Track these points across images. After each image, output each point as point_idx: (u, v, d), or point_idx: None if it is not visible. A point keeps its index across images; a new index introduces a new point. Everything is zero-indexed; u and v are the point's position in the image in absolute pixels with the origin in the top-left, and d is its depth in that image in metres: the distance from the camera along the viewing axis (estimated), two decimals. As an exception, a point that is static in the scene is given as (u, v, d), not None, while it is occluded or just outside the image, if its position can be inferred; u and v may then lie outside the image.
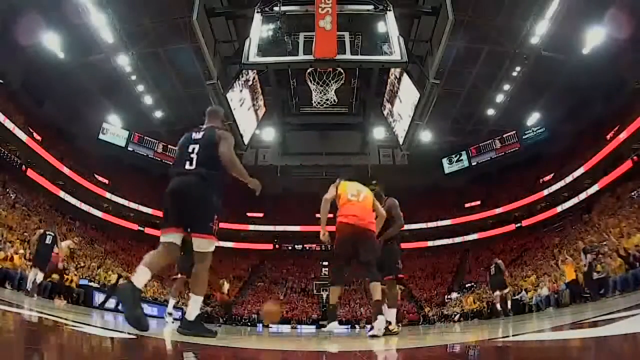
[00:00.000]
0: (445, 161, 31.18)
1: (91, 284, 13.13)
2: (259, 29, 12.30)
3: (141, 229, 26.51)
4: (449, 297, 23.85)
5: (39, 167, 21.46)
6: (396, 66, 13.12)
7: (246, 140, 15.80)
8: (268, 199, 32.42)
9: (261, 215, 31.52)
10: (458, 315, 19.03)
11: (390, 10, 12.30)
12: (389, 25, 12.13)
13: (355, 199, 3.79)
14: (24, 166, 20.55)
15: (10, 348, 1.26)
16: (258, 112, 16.39)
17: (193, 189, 2.71)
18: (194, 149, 2.83)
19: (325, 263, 27.77)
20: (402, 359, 2.01)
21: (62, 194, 22.72)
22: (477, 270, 25.31)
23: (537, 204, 26.24)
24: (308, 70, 12.33)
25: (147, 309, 15.82)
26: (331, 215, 3.84)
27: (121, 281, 14.35)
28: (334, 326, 3.77)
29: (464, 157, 30.60)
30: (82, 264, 16.00)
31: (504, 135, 28.65)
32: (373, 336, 3.40)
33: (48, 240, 7.95)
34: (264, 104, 16.80)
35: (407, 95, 13.72)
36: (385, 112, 17.25)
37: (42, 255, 7.90)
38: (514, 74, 21.67)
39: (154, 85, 24.03)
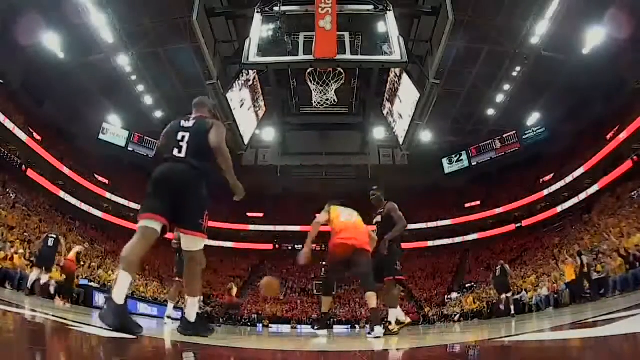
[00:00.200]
0: (445, 161, 31.19)
1: (91, 284, 13.12)
2: (259, 29, 12.30)
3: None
4: (449, 297, 23.85)
5: (39, 167, 21.47)
6: (396, 66, 13.12)
7: (246, 140, 15.81)
8: (268, 199, 32.45)
9: (261, 215, 31.52)
10: (458, 315, 19.03)
11: (390, 10, 12.30)
12: (389, 25, 12.13)
13: (349, 221, 4.05)
14: (24, 166, 20.55)
15: (10, 348, 1.26)
16: (258, 112, 16.39)
17: (184, 180, 2.52)
18: (183, 137, 2.65)
19: (325, 263, 27.79)
20: (402, 359, 2.01)
21: (62, 194, 22.73)
22: (477, 270, 25.33)
23: (537, 204, 26.24)
24: (308, 70, 12.33)
25: (147, 309, 15.82)
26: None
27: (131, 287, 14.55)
28: (323, 333, 4.11)
29: (464, 157, 30.60)
30: (82, 264, 16.00)
31: (504, 135, 28.66)
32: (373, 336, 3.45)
33: (50, 242, 8.18)
34: (264, 104, 16.79)
35: (407, 95, 13.72)
36: (385, 112, 17.25)
37: (45, 256, 8.10)
38: (514, 74, 21.67)
39: (154, 85, 24.03)
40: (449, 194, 31.23)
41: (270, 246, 31.42)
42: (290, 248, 31.40)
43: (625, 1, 16.66)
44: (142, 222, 2.43)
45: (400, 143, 16.29)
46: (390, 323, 4.42)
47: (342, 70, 12.18)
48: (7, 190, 18.50)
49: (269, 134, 23.78)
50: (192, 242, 2.60)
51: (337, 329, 19.33)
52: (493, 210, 28.25)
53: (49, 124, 23.77)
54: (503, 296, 10.39)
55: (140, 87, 23.42)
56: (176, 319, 6.66)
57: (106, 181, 26.12)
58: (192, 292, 2.78)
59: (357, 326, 20.12)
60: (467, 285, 23.68)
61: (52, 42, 19.62)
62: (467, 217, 29.30)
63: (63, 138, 24.85)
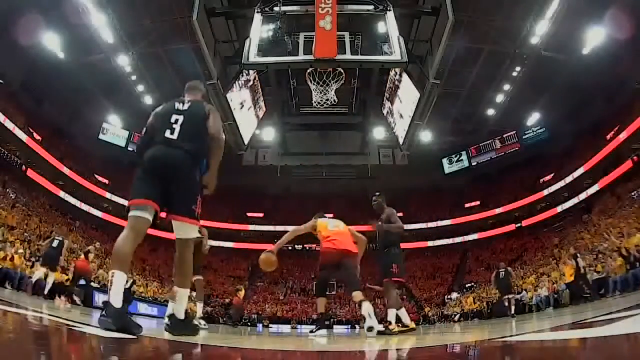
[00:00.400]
0: (445, 161, 31.18)
1: (91, 284, 13.10)
2: (259, 29, 12.32)
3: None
4: (449, 297, 23.85)
5: (39, 167, 21.47)
6: (396, 66, 13.13)
7: (246, 140, 15.82)
8: (268, 199, 32.48)
9: (261, 215, 31.52)
10: (458, 315, 19.04)
11: (390, 10, 12.32)
12: (389, 25, 12.15)
13: (337, 229, 4.47)
14: (24, 166, 20.56)
15: (10, 348, 1.26)
16: (258, 112, 16.41)
17: (178, 164, 2.41)
18: (177, 119, 2.54)
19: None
20: (402, 359, 2.01)
21: (62, 194, 22.74)
22: (477, 270, 25.33)
23: (537, 204, 26.24)
24: (308, 70, 12.35)
25: (147, 309, 15.83)
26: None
27: (134, 287, 14.80)
28: (321, 333, 4.28)
29: (464, 157, 30.59)
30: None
31: (504, 135, 28.64)
32: (370, 328, 3.55)
33: (55, 243, 8.73)
34: (264, 104, 16.81)
35: (407, 95, 13.74)
36: (385, 112, 17.27)
37: (50, 257, 8.60)
38: (514, 74, 21.66)
39: (154, 85, 24.02)
40: (448, 194, 31.22)
41: (270, 246, 31.24)
42: (290, 248, 31.37)
43: (625, 1, 16.66)
44: (133, 211, 2.34)
45: (400, 143, 16.32)
46: (390, 323, 4.50)
47: (342, 70, 12.20)
48: (7, 190, 18.51)
49: (269, 134, 23.81)
50: (185, 229, 2.47)
51: (337, 329, 19.33)
52: (493, 210, 28.24)
53: (49, 123, 23.77)
54: (505, 297, 10.56)
55: (140, 87, 23.41)
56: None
57: (106, 181, 26.12)
58: (182, 283, 2.57)
59: (357, 326, 20.11)
60: (467, 285, 23.68)
61: (52, 42, 19.62)
62: (467, 217, 29.28)
63: (63, 138, 24.85)
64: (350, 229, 4.59)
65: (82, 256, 9.65)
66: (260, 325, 21.45)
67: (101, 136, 27.18)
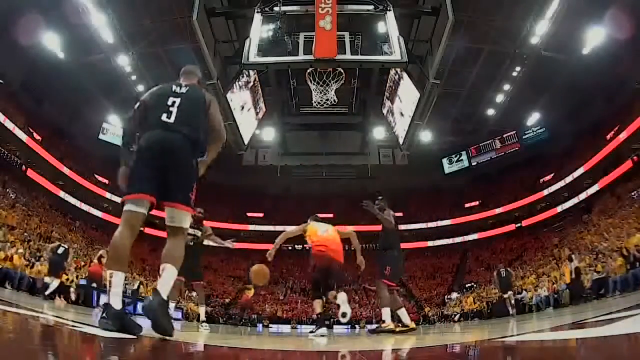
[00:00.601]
0: (445, 161, 31.18)
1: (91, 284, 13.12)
2: (259, 29, 12.33)
3: (141, 228, 26.46)
4: (449, 297, 23.85)
5: (39, 167, 21.47)
6: (396, 66, 13.14)
7: (246, 140, 15.82)
8: (268, 199, 32.48)
9: (261, 215, 31.52)
10: (458, 315, 19.03)
11: (390, 10, 12.33)
12: (389, 25, 12.15)
13: (326, 234, 4.73)
14: (24, 166, 20.56)
15: (10, 348, 1.26)
16: (258, 112, 16.41)
17: (177, 149, 2.31)
18: (174, 102, 2.45)
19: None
20: (402, 359, 2.01)
21: (62, 194, 22.74)
22: (477, 270, 25.33)
23: (537, 204, 26.25)
24: (308, 70, 12.35)
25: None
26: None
27: (142, 288, 15.11)
28: (321, 332, 4.40)
29: (464, 157, 30.59)
30: (83, 264, 16.00)
31: (504, 135, 28.65)
32: (344, 314, 4.20)
33: (60, 250, 8.94)
34: (264, 104, 16.81)
35: (407, 95, 13.74)
36: (385, 112, 17.27)
37: (55, 265, 8.78)
38: (514, 74, 21.66)
39: (154, 85, 23.89)
40: (448, 194, 31.22)
41: (270, 246, 31.26)
42: (290, 248, 31.39)
43: (625, 1, 16.65)
44: (127, 205, 2.25)
45: (400, 143, 16.32)
46: (384, 321, 4.66)
47: (342, 70, 12.21)
48: (7, 190, 18.51)
49: (269, 134, 23.79)
50: (180, 217, 2.35)
51: (337, 329, 19.32)
52: (493, 210, 28.25)
53: (49, 123, 23.77)
54: (506, 295, 10.76)
55: (140, 87, 23.36)
56: (177, 319, 6.66)
57: (106, 181, 26.11)
58: (175, 261, 2.31)
59: (357, 326, 20.10)
60: (467, 285, 23.68)
61: (52, 42, 19.61)
62: (467, 217, 29.29)
63: (63, 138, 24.85)
64: (337, 230, 4.88)
65: (95, 261, 9.74)
66: (260, 325, 21.43)
67: (101, 136, 27.17)
